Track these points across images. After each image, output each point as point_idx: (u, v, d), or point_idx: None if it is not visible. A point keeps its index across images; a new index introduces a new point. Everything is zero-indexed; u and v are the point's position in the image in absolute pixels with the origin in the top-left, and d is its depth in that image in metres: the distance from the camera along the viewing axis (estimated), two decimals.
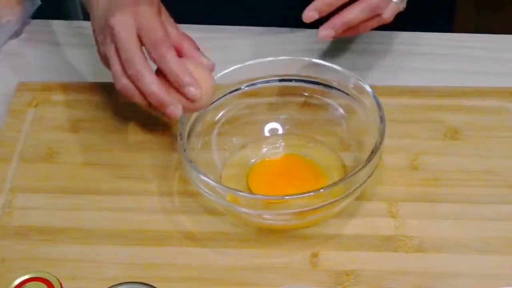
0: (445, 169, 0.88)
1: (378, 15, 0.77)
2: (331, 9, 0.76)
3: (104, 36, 0.81)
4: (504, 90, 0.95)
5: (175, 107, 0.79)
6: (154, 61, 0.80)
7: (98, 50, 0.84)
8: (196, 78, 0.79)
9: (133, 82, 0.79)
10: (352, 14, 0.76)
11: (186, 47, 0.82)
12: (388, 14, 0.77)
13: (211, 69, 0.83)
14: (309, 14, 0.77)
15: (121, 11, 0.79)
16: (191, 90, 0.79)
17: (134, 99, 0.81)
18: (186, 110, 0.81)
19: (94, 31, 0.85)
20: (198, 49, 0.83)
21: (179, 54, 0.81)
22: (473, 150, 0.90)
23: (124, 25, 0.79)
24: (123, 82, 0.80)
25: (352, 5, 0.76)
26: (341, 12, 0.77)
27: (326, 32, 0.78)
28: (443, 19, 1.16)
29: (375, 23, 0.78)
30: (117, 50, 0.80)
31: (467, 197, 0.85)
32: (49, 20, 1.07)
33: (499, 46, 1.02)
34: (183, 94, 0.79)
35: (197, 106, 0.81)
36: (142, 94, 0.79)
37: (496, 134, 0.91)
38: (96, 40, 0.84)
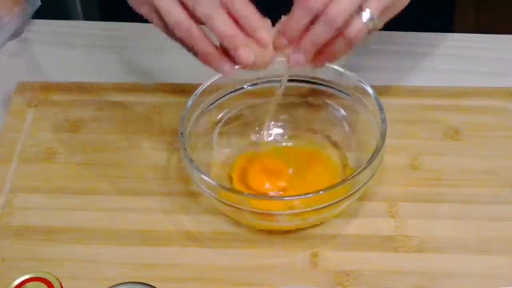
0: (445, 169, 0.88)
1: (341, 33, 0.76)
2: (297, 32, 0.76)
3: (148, 7, 0.77)
4: (504, 90, 0.95)
5: (248, 50, 0.75)
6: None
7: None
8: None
9: (201, 23, 0.75)
10: (315, 32, 0.75)
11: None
12: (353, 32, 0.76)
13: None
14: (278, 41, 0.77)
15: None
16: (263, 36, 0.76)
17: (196, 44, 0.76)
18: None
19: (133, 4, 0.80)
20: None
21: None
22: (473, 150, 0.90)
23: None
24: (186, 24, 0.75)
25: (312, 26, 0.76)
26: (306, 34, 0.77)
27: (298, 57, 0.77)
28: (443, 19, 1.16)
29: (342, 45, 0.77)
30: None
31: (467, 197, 0.86)
32: (49, 20, 1.07)
33: (499, 46, 1.02)
34: (253, 38, 0.75)
35: (265, 60, 0.77)
36: (214, 35, 0.75)
37: (496, 134, 0.91)
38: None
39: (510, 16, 1.95)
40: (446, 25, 1.16)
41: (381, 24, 0.78)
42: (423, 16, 1.07)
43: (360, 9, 0.76)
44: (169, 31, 0.77)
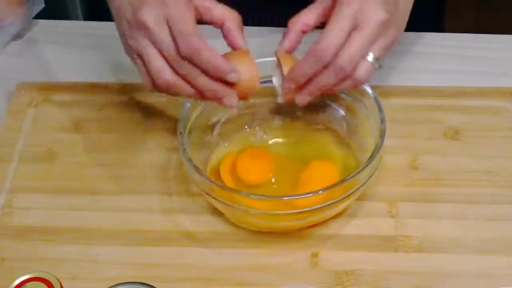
0: (445, 169, 0.88)
1: (349, 75, 0.78)
2: (305, 78, 0.78)
3: (133, 31, 0.78)
4: (504, 90, 0.95)
5: (231, 97, 0.78)
6: (185, 57, 0.76)
7: (125, 45, 0.81)
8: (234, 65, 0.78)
9: (183, 78, 0.77)
10: (323, 79, 0.78)
11: (226, 26, 0.81)
12: (362, 74, 0.78)
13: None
14: (286, 85, 0.80)
15: (151, 4, 0.76)
16: (233, 76, 0.77)
17: (181, 93, 0.79)
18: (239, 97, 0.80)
19: (118, 26, 0.81)
20: (241, 28, 0.82)
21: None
22: (473, 150, 0.90)
23: (155, 20, 0.76)
24: (169, 78, 0.77)
25: (321, 72, 0.78)
26: (313, 79, 0.79)
27: (304, 97, 0.80)
28: (441, 19, 1.16)
29: (349, 84, 0.79)
30: (154, 45, 0.77)
31: (467, 197, 0.86)
32: (50, 20, 1.07)
33: (499, 46, 1.02)
34: (226, 83, 0.78)
35: (250, 92, 0.80)
36: (195, 88, 0.78)
37: (496, 134, 0.91)
38: (123, 35, 0.81)
39: (510, 16, 1.95)
40: (445, 25, 1.16)
41: (384, 61, 0.80)
42: (422, 16, 1.07)
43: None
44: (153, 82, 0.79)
